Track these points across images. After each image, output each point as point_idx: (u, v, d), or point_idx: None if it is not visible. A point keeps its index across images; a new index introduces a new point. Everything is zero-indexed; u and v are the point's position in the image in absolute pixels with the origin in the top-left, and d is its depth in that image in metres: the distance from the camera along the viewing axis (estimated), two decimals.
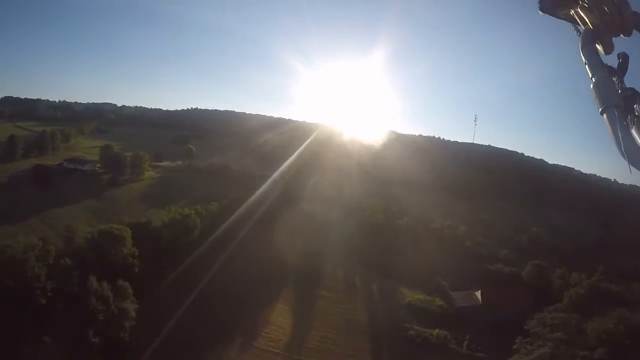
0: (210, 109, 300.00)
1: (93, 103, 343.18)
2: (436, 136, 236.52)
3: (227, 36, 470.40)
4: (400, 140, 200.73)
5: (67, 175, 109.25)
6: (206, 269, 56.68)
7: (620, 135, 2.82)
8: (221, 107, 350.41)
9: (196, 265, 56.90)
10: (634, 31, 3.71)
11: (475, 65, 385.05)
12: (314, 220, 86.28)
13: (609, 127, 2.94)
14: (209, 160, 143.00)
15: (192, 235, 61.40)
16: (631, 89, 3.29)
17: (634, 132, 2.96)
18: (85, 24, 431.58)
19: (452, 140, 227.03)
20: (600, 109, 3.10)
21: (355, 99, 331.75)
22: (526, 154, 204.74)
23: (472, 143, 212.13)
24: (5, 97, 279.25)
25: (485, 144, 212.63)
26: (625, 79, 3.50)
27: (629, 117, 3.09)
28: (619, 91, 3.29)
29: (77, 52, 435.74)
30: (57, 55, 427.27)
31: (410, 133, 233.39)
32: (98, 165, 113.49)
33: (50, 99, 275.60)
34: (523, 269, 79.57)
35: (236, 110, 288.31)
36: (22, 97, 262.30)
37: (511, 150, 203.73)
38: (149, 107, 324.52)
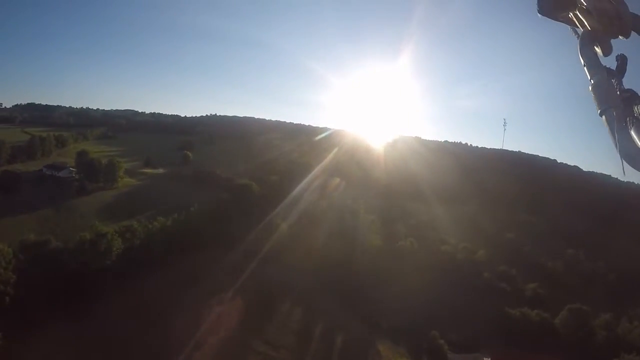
0: (229, 115, 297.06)
1: (116, 110, 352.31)
2: (463, 142, 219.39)
3: (247, 44, 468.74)
4: (425, 147, 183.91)
5: (41, 181, 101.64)
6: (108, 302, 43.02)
7: (618, 136, 2.86)
8: (240, 114, 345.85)
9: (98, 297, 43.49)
10: (633, 33, 3.69)
11: (504, 67, 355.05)
12: (296, 238, 71.47)
13: (608, 128, 2.98)
14: (205, 166, 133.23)
15: (105, 260, 48.29)
16: (630, 90, 3.26)
17: (633, 133, 2.93)
18: (113, 33, 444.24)
19: (479, 146, 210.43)
20: (599, 111, 3.11)
21: (378, 105, 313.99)
22: (559, 161, 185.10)
23: (501, 149, 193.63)
24: (28, 103, 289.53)
25: (515, 150, 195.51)
26: (624, 80, 3.46)
27: (628, 118, 3.04)
28: (618, 93, 3.27)
29: (102, 60, 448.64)
30: (82, 63, 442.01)
31: (436, 139, 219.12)
32: (74, 171, 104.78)
33: (73, 106, 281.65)
34: (557, 313, 59.77)
35: (255, 117, 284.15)
36: (44, 104, 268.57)
37: (543, 157, 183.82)
38: (167, 114, 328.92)
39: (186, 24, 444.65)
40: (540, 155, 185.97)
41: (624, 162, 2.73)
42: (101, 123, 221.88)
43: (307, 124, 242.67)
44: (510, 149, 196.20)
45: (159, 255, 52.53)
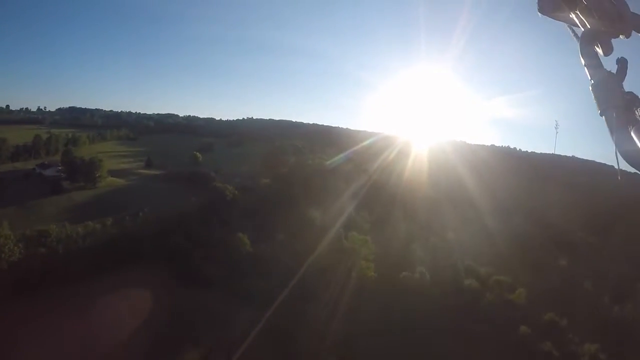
0: (266, 118, 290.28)
1: (157, 114, 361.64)
2: (511, 146, 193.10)
3: (284, 50, 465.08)
4: (467, 152, 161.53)
5: (25, 179, 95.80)
6: None
7: (619, 137, 2.88)
8: (276, 117, 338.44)
9: None
10: (634, 32, 3.69)
11: (555, 63, 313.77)
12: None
13: (609, 129, 2.98)
14: (213, 168, 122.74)
15: None
16: (630, 93, 3.25)
17: (633, 134, 2.94)
18: (159, 41, 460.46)
19: (529, 150, 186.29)
20: (599, 111, 3.12)
21: (420, 107, 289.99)
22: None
23: (552, 154, 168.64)
24: (70, 107, 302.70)
25: (568, 155, 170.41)
26: (625, 83, 3.42)
27: (628, 120, 3.06)
28: (619, 93, 3.26)
29: (144, 66, 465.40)
30: (122, 68, 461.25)
31: (480, 143, 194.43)
32: (62, 169, 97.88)
33: (114, 109, 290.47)
34: None
35: (293, 120, 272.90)
36: (83, 107, 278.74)
37: (600, 163, 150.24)
38: (201, 117, 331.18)
39: (236, 35, 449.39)
40: (598, 161, 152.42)
41: (620, 164, 2.74)
42: (131, 125, 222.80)
43: (344, 127, 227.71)
44: (562, 154, 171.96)
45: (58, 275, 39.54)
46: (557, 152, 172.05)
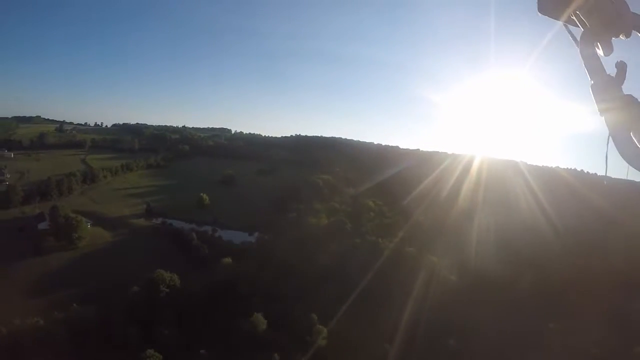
0: (318, 135, 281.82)
1: (211, 128, 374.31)
2: (585, 170, 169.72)
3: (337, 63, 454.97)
4: (531, 174, 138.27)
5: (19, 232, 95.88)
6: None
7: (619, 137, 2.96)
8: (327, 134, 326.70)
9: None
10: (633, 32, 3.73)
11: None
12: None
13: (609, 130, 3.05)
14: (221, 215, 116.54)
15: None
16: (629, 95, 3.35)
17: (632, 135, 3.03)
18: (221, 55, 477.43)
19: (598, 173, 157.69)
20: (599, 111, 3.21)
21: (473, 124, 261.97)
22: None
23: (626, 179, 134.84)
24: (124, 123, 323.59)
25: None
26: (624, 86, 3.51)
27: (628, 120, 3.16)
28: (618, 94, 3.34)
29: (197, 80, 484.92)
30: (173, 83, 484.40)
31: (545, 165, 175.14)
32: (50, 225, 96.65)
33: (167, 124, 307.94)
34: None
35: (344, 137, 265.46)
36: (134, 123, 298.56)
37: None
38: (247, 132, 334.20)
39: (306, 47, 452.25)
40: None
41: (608, 165, 2.86)
42: (168, 147, 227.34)
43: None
44: (638, 180, 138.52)
45: None
46: (630, 178, 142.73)
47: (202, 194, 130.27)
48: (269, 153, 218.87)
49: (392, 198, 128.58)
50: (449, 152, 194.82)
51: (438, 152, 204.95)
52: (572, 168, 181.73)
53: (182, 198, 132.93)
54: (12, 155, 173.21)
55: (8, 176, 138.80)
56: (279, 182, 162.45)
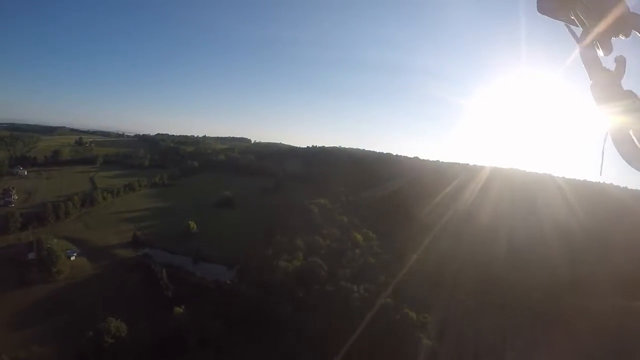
0: (337, 146, 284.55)
1: (232, 137, 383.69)
2: (607, 182, 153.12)
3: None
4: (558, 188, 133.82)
5: (10, 262, 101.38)
6: None
7: (618, 136, 3.00)
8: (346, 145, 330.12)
9: None
10: (633, 32, 3.75)
11: None
12: None
13: (608, 128, 3.11)
14: (207, 242, 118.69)
15: None
16: (629, 91, 3.40)
17: (631, 133, 3.06)
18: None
19: (633, 188, 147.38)
20: (599, 111, 3.28)
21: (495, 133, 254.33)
22: None
23: None
24: (143, 134, 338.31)
25: None
26: (623, 81, 3.56)
27: (627, 119, 3.19)
28: (618, 93, 3.40)
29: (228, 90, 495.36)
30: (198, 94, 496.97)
31: (573, 177, 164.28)
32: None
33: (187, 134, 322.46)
34: None
35: (365, 149, 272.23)
36: (154, 134, 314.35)
37: None
38: (265, 142, 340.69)
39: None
40: None
41: (603, 161, 2.94)
42: (178, 162, 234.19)
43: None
44: None
45: None
46: None
47: (190, 222, 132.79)
48: (279, 167, 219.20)
49: (391, 227, 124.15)
50: (470, 163, 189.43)
51: (458, 163, 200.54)
52: (616, 184, 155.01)
53: (173, 223, 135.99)
54: (26, 173, 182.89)
55: (15, 197, 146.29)
56: (281, 203, 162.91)
